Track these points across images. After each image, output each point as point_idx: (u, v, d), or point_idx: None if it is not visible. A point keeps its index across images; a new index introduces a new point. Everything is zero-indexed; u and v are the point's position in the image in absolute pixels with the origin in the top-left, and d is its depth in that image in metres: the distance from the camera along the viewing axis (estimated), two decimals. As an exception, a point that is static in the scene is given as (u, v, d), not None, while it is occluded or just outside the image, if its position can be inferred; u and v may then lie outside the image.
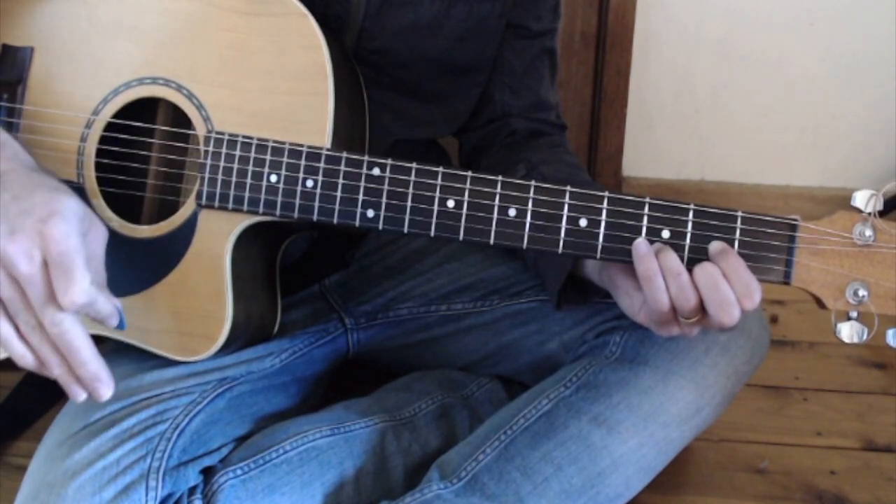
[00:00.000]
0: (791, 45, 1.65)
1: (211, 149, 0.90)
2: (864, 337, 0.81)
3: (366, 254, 1.19)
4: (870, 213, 0.80)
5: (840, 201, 1.72)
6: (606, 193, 0.84)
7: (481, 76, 1.11)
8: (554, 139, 1.16)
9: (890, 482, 1.14)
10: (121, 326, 0.82)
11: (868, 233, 0.80)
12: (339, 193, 0.87)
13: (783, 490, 1.13)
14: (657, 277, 0.81)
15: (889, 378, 1.33)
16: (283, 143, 0.88)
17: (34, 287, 0.75)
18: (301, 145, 0.87)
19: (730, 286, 0.80)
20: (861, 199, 0.80)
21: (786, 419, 1.26)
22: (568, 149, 1.16)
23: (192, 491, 0.92)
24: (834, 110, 1.69)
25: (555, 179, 1.04)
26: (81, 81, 0.94)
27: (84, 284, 0.75)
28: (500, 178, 0.85)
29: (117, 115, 0.94)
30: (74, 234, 0.76)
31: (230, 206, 0.90)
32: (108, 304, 0.79)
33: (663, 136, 1.74)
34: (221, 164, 0.90)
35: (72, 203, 0.77)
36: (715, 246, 0.82)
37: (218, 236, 0.91)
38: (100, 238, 0.81)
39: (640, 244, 0.82)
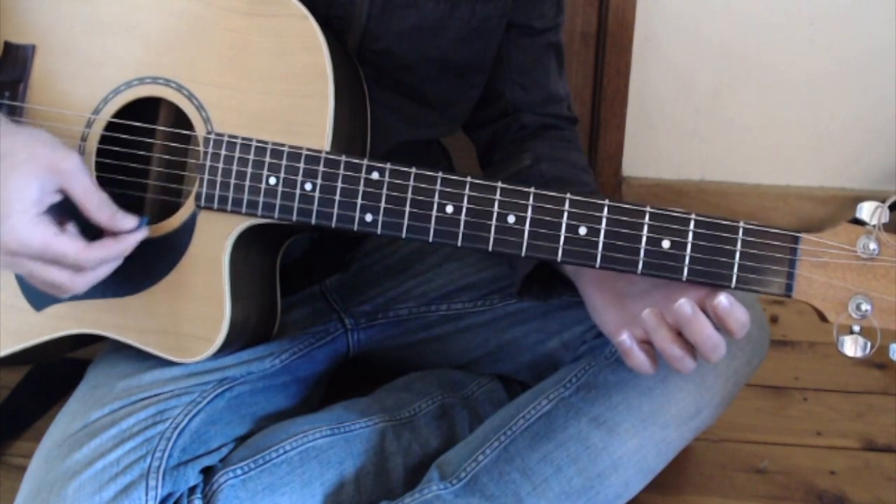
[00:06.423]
0: (791, 45, 1.64)
1: (210, 150, 0.90)
2: (867, 351, 0.79)
3: (366, 254, 1.19)
4: (874, 226, 0.78)
5: (840, 201, 1.72)
6: (607, 202, 0.82)
7: (481, 76, 1.10)
8: (564, 133, 1.15)
9: (890, 482, 1.14)
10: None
11: (872, 246, 0.78)
12: (337, 197, 0.87)
13: (783, 490, 1.13)
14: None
15: (889, 378, 1.33)
16: (283, 145, 0.88)
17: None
18: (300, 148, 0.87)
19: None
20: (866, 210, 0.78)
21: (786, 419, 1.25)
22: (577, 145, 1.16)
23: (192, 491, 0.92)
24: (834, 110, 1.69)
25: (554, 178, 1.04)
26: (82, 80, 0.95)
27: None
28: (499, 184, 0.84)
29: (118, 114, 0.94)
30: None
31: (229, 207, 0.90)
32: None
33: (663, 136, 1.73)
34: (220, 165, 0.89)
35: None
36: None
37: (216, 238, 0.91)
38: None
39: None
